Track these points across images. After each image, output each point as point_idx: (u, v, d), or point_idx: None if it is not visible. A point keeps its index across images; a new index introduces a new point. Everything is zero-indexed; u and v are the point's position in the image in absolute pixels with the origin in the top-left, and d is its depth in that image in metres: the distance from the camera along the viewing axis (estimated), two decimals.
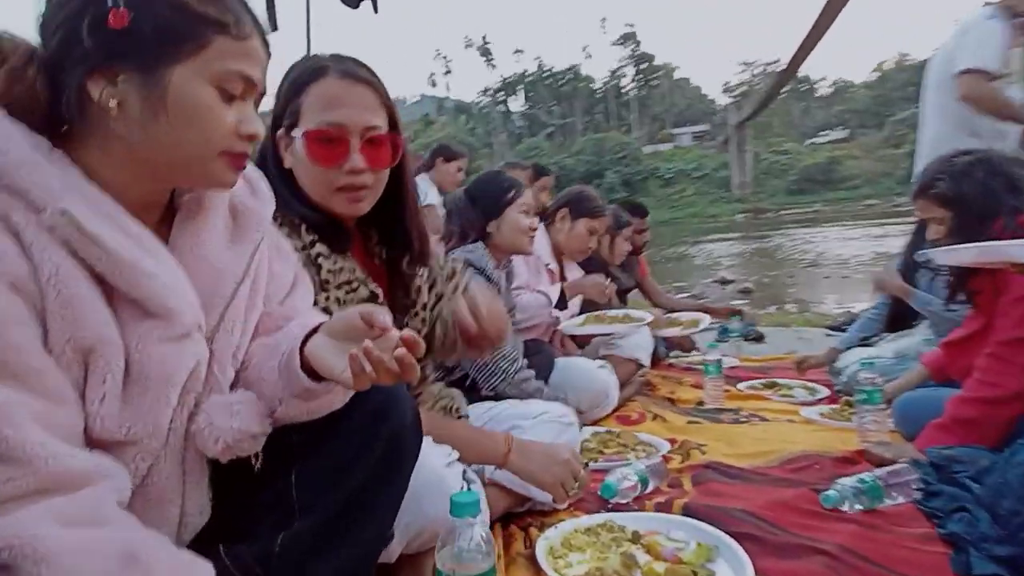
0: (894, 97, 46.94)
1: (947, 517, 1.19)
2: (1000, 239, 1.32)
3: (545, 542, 1.16)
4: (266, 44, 0.73)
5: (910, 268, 2.21)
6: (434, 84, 63.81)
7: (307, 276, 0.92)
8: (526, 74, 60.90)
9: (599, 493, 1.38)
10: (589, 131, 51.67)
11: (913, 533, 1.21)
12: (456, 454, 1.06)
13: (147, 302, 0.67)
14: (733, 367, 3.01)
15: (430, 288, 1.18)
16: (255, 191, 0.84)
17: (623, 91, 60.41)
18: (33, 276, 0.61)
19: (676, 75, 64.94)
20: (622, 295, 3.05)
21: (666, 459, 1.67)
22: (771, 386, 2.57)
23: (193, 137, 0.68)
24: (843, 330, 3.95)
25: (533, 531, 1.26)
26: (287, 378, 0.74)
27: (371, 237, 1.14)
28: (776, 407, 2.28)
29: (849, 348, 2.46)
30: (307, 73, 1.02)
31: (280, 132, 1.05)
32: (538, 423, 1.31)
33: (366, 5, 3.49)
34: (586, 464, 1.47)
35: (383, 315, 0.67)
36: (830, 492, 1.32)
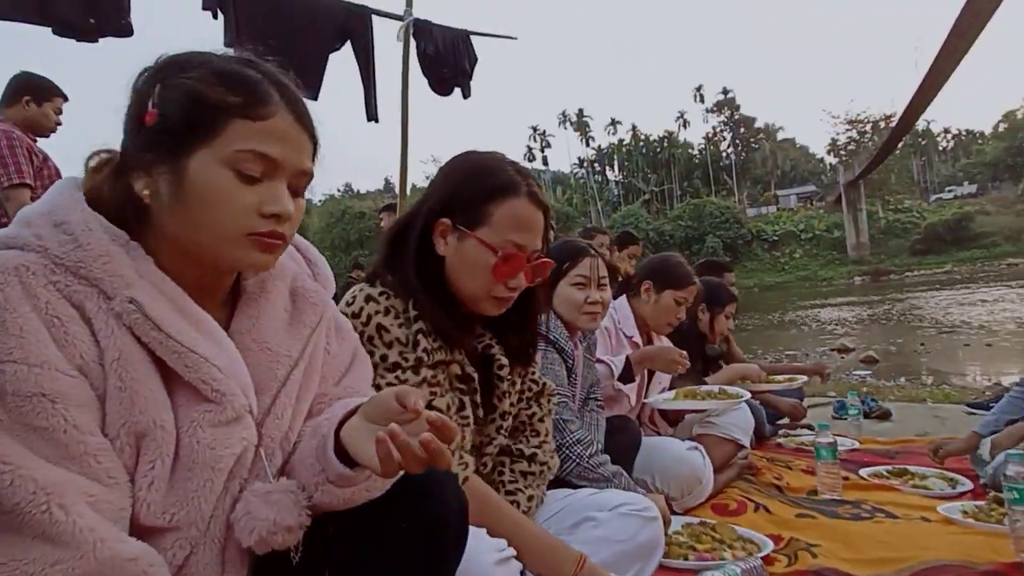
0: None
1: None
2: None
3: None
4: (300, 117, 0.73)
5: None
6: (532, 159, 66.46)
7: (366, 357, 0.92)
8: (622, 143, 61.94)
9: None
10: (687, 197, 51.06)
11: None
12: (511, 551, 0.99)
13: (202, 386, 0.69)
14: (852, 449, 2.69)
15: (519, 397, 1.24)
16: (317, 274, 0.87)
17: (722, 155, 59.58)
18: (99, 359, 0.65)
19: (780, 135, 63.27)
20: (709, 365, 2.81)
21: (768, 560, 1.47)
22: (900, 474, 2.24)
23: (211, 220, 0.69)
24: (988, 407, 3.44)
25: None
26: (324, 462, 0.72)
27: (477, 331, 1.20)
28: (908, 501, 1.96)
29: (993, 433, 2.11)
30: (501, 185, 1.10)
31: (446, 220, 1.10)
32: (615, 516, 1.19)
33: (457, 91, 3.75)
34: None
35: (416, 396, 0.65)
36: None
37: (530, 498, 1.21)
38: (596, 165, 62.46)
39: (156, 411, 0.67)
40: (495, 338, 1.20)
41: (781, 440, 2.93)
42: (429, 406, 0.95)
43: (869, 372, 7.22)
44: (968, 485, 2.07)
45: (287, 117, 0.72)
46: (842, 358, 9.14)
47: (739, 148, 59.19)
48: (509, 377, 1.20)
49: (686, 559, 1.47)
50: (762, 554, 1.49)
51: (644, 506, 1.23)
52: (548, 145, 65.76)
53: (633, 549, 1.19)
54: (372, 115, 3.38)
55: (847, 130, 51.91)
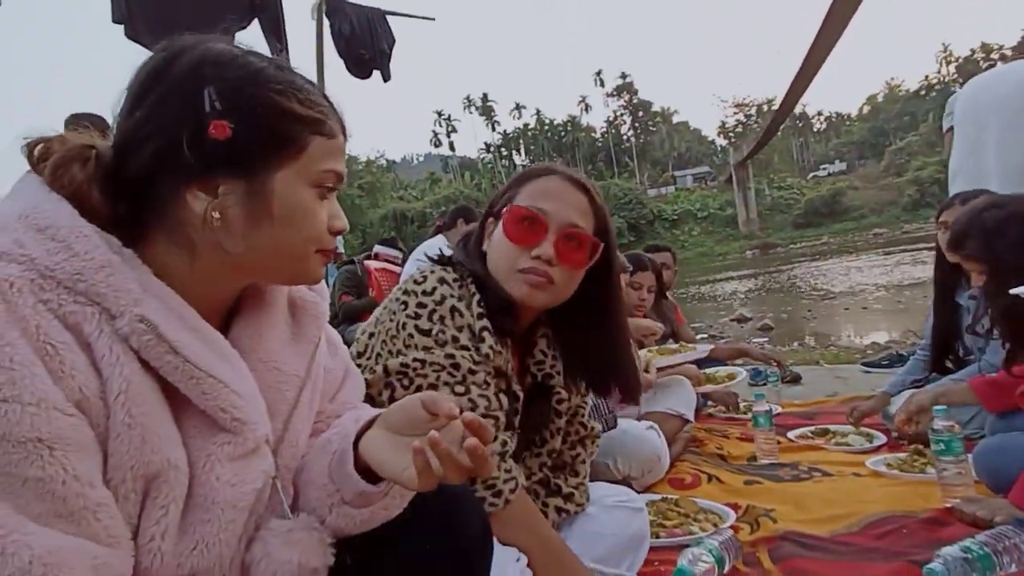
0: (889, 128, 47.65)
1: None
2: None
3: None
4: (344, 129, 0.70)
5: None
6: (438, 144, 65.60)
7: (358, 372, 0.85)
8: (527, 128, 62.56)
9: None
10: (592, 179, 52.55)
11: None
12: (524, 558, 0.95)
13: (220, 415, 0.60)
14: (777, 414, 2.87)
15: (564, 439, 1.20)
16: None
17: (623, 138, 61.78)
18: (101, 392, 0.54)
19: (675, 119, 66.52)
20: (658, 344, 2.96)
21: (735, 529, 1.53)
22: (823, 434, 2.42)
23: (295, 238, 0.65)
24: (880, 366, 3.83)
25: None
26: (340, 481, 0.66)
27: (534, 354, 1.14)
28: (836, 458, 2.13)
29: (900, 392, 2.33)
30: (535, 171, 1.10)
31: (490, 219, 1.10)
32: (606, 510, 1.19)
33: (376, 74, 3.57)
34: None
35: (448, 401, 0.60)
36: (934, 566, 1.17)
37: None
38: (503, 150, 62.72)
39: (169, 449, 0.57)
40: (559, 364, 1.14)
41: (712, 412, 3.09)
42: (472, 408, 0.90)
43: (766, 339, 7.79)
44: (882, 439, 2.27)
45: (343, 134, 0.69)
46: (741, 327, 9.82)
47: (638, 131, 61.64)
48: (564, 414, 1.15)
49: (657, 537, 1.51)
50: (728, 524, 1.55)
51: (629, 497, 1.24)
52: (454, 130, 65.19)
53: (625, 541, 1.19)
54: None
55: (735, 113, 55.53)
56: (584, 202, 1.06)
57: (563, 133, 60.82)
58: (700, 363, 2.78)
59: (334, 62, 3.39)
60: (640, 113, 61.11)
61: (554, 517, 1.15)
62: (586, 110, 63.97)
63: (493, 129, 63.83)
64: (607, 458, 1.77)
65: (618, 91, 61.89)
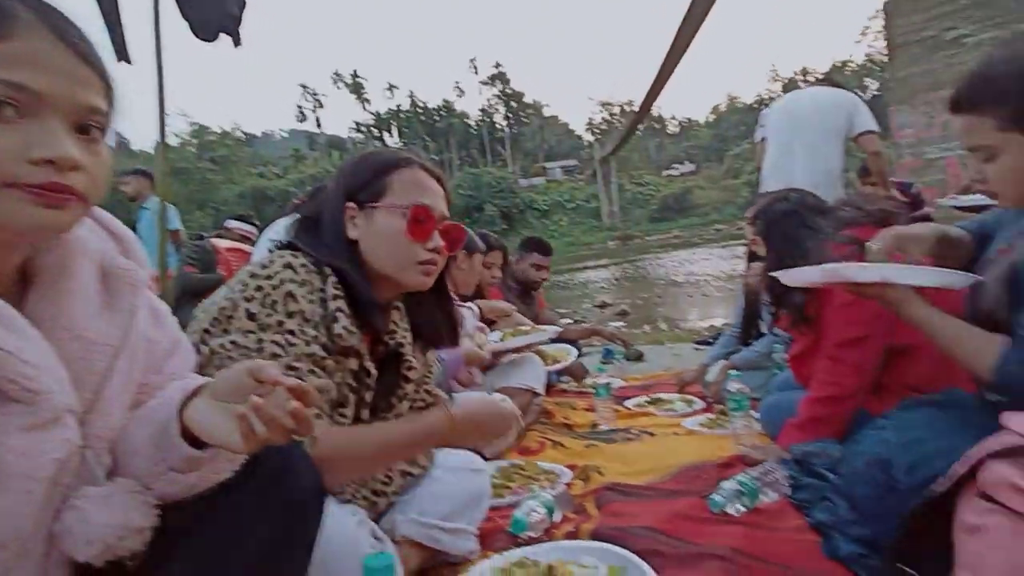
0: (729, 135, 53.16)
1: (813, 507, 1.35)
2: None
3: None
4: (70, 41, 0.60)
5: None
6: (303, 119, 61.81)
7: (190, 347, 0.85)
8: (400, 109, 61.02)
9: (509, 530, 1.39)
10: (465, 166, 52.73)
11: (789, 526, 1.35)
12: (362, 512, 1.02)
13: (8, 385, 0.58)
14: (620, 387, 3.19)
15: (411, 405, 1.26)
16: (128, 251, 0.76)
17: (497, 127, 62.53)
18: None
19: (546, 112, 68.52)
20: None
21: (569, 486, 1.72)
22: (655, 402, 2.75)
23: None
24: (709, 343, 4.39)
25: None
26: (166, 449, 0.66)
27: (388, 326, 1.19)
28: (662, 422, 2.44)
29: (715, 362, 2.73)
30: (394, 161, 1.15)
31: (351, 204, 1.12)
32: (449, 471, 1.30)
33: (225, 37, 3.33)
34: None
35: (272, 368, 0.63)
36: (715, 497, 1.44)
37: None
38: (375, 130, 60.68)
39: None
40: (409, 334, 1.22)
41: (564, 386, 3.36)
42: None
43: (623, 323, 8.49)
44: (701, 404, 2.64)
45: (46, 37, 0.58)
46: (602, 312, 10.57)
47: (511, 121, 62.74)
48: (413, 380, 1.22)
49: (502, 497, 1.66)
50: (564, 481, 1.75)
51: (472, 460, 1.37)
52: (320, 105, 61.78)
53: (466, 499, 1.31)
54: (122, 55, 2.85)
55: (600, 111, 58.55)
56: (442, 191, 1.17)
57: (437, 118, 60.22)
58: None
59: (179, 23, 3.10)
60: (513, 103, 62.25)
61: (399, 481, 1.24)
62: (460, 95, 63.89)
63: (364, 108, 61.50)
64: None
65: (492, 80, 62.49)
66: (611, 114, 62.08)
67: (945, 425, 1.13)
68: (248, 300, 0.99)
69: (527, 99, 64.04)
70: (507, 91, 62.55)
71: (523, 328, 2.67)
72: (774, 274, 1.36)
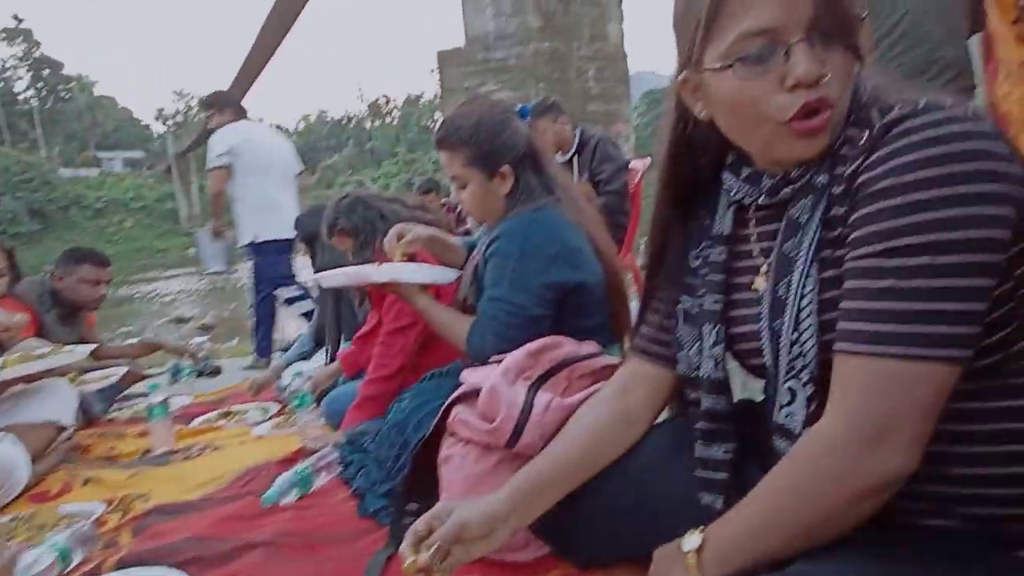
0: (320, 147, 54.56)
1: (355, 477, 1.52)
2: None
3: None
4: None
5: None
6: None
7: None
8: None
9: None
10: None
11: (339, 500, 1.49)
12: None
13: None
14: (187, 407, 2.90)
15: None
16: None
17: (20, 99, 48.00)
18: None
19: (97, 91, 56.11)
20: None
21: (102, 521, 1.48)
22: (226, 415, 2.60)
23: None
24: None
25: None
26: None
27: None
28: (230, 433, 2.33)
29: (290, 364, 2.77)
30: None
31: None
32: None
33: None
34: None
35: None
36: (269, 492, 1.47)
37: None
38: None
39: None
40: None
41: (115, 414, 2.85)
42: None
43: (206, 338, 7.71)
44: (275, 408, 2.62)
45: None
46: (180, 328, 9.36)
47: (44, 94, 49.14)
48: None
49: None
50: (92, 518, 1.49)
51: None
52: None
53: None
54: None
55: (175, 100, 51.52)
56: None
57: None
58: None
59: None
60: (45, 71, 48.72)
61: None
62: None
63: None
64: None
65: (9, 35, 47.53)
66: (188, 106, 55.34)
67: (449, 390, 1.45)
68: None
69: (68, 71, 51.26)
70: (36, 55, 48.75)
71: (31, 354, 2.11)
72: (314, 276, 1.49)
